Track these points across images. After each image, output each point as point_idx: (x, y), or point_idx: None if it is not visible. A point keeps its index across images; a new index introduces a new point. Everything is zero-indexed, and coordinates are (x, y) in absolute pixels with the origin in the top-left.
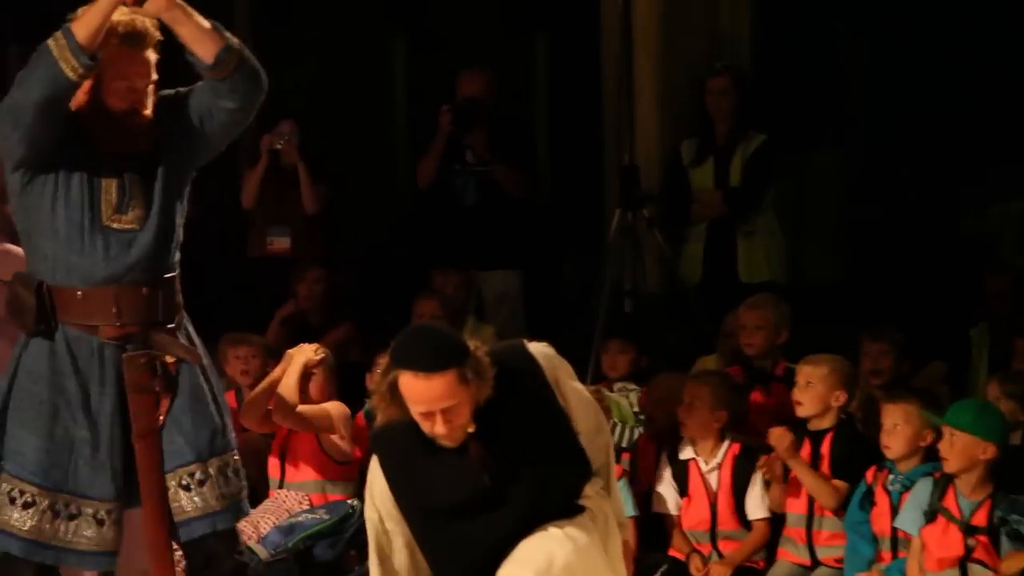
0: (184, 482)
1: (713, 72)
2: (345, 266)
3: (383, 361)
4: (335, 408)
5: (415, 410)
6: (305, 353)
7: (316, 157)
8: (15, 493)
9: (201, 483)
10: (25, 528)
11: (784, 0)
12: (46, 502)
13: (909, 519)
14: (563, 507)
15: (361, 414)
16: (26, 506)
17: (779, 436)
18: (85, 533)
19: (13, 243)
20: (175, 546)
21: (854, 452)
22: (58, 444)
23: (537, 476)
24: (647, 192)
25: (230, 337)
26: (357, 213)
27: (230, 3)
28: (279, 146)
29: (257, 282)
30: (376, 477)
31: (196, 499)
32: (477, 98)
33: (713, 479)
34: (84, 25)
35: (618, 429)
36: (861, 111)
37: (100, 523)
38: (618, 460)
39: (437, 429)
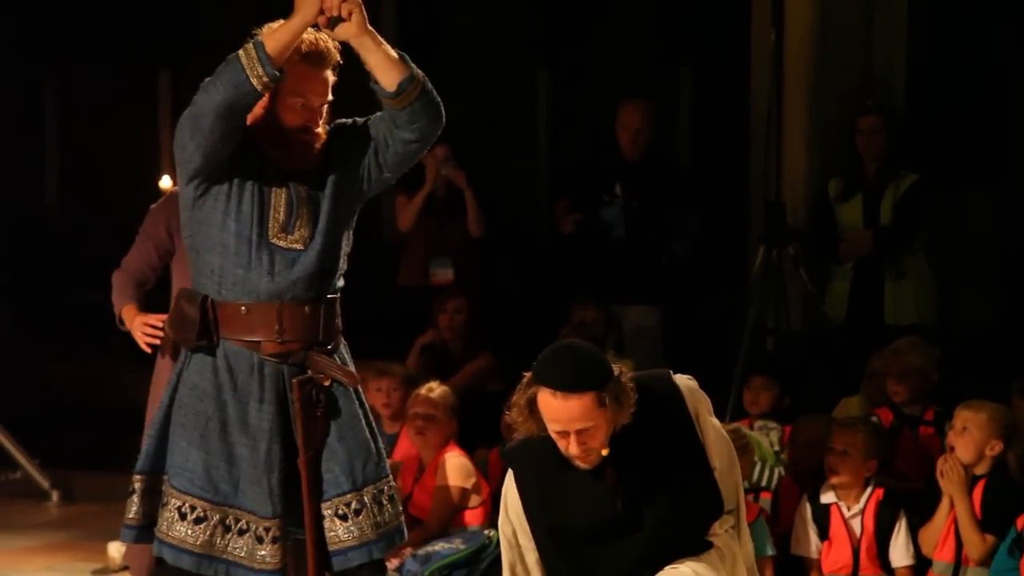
0: (340, 512)
1: (864, 110)
2: (487, 296)
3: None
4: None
5: (551, 428)
6: None
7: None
8: (185, 509)
9: (357, 512)
10: (198, 543)
11: (942, 38)
12: (217, 516)
13: None
14: (692, 542)
15: (497, 450)
16: (198, 521)
17: (954, 465)
18: (255, 550)
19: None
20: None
21: (1006, 500)
22: (225, 459)
23: (669, 507)
24: (793, 229)
25: (372, 366)
26: (500, 243)
27: None
28: (447, 171)
29: (396, 310)
30: (510, 492)
31: (352, 528)
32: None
33: (856, 524)
34: (275, 39)
35: (758, 468)
36: (1019, 150)
37: (259, 540)
38: (758, 499)
39: (571, 449)
